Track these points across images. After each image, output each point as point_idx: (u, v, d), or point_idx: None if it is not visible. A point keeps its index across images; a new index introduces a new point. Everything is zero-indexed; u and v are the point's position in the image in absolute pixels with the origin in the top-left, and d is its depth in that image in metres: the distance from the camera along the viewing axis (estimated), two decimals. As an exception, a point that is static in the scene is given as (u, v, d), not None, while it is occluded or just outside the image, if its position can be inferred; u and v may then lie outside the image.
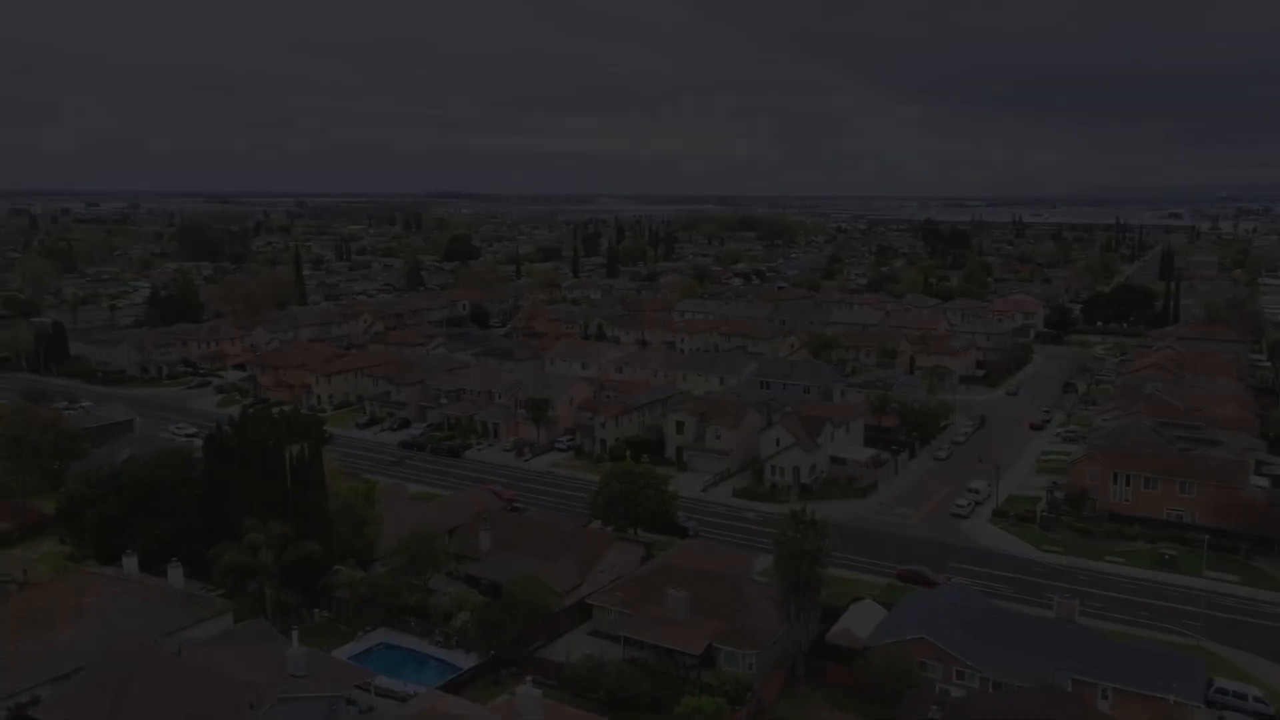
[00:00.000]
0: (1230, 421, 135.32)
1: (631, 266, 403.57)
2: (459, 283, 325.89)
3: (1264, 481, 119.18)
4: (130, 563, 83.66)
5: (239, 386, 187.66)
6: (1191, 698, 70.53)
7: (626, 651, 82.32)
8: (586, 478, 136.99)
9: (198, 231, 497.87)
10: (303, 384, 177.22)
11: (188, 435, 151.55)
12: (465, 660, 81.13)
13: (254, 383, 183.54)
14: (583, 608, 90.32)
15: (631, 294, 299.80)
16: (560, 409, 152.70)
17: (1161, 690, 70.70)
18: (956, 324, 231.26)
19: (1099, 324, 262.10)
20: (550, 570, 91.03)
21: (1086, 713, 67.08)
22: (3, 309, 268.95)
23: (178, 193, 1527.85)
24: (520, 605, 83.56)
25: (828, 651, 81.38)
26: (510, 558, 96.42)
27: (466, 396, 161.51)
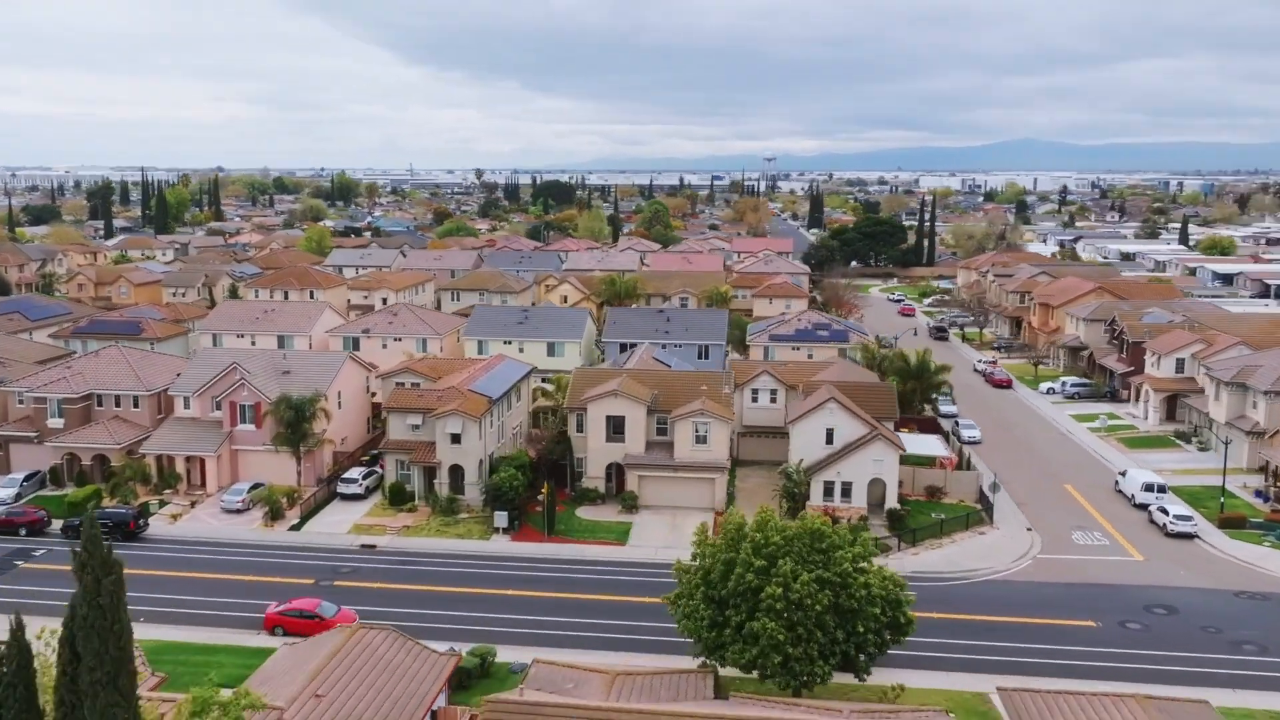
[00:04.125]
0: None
1: (183, 226, 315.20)
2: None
3: None
4: None
5: None
6: None
7: None
8: (458, 551, 72.18)
9: None
10: None
11: None
12: None
13: None
14: None
15: (236, 250, 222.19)
16: (331, 417, 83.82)
17: None
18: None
19: (851, 263, 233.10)
20: None
21: None
22: None
23: None
24: None
25: None
26: None
27: (106, 413, 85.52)
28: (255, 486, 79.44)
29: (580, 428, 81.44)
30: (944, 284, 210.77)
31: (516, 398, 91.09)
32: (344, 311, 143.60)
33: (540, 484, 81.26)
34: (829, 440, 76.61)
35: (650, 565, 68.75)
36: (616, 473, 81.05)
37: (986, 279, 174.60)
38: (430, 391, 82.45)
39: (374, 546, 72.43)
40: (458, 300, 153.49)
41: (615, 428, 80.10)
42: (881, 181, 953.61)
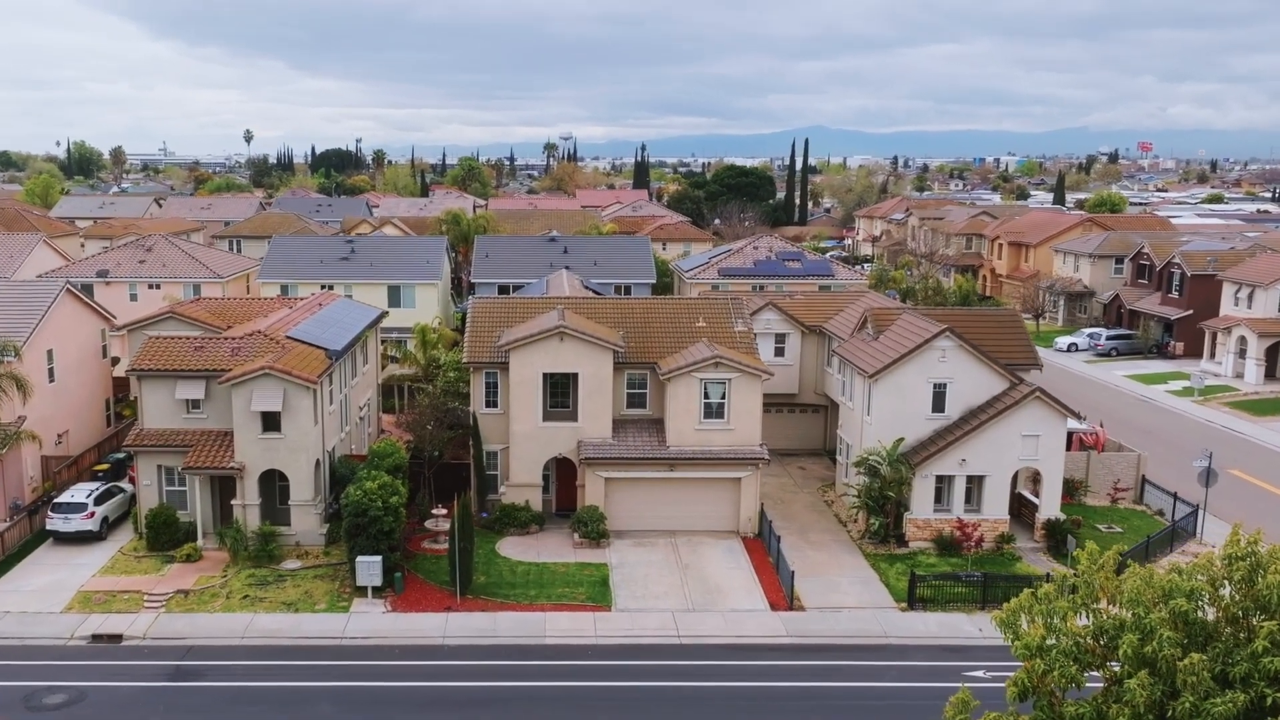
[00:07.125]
0: None
1: None
2: None
3: None
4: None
5: None
6: None
7: None
8: (291, 641, 38.56)
9: None
10: None
11: None
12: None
13: None
14: None
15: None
16: (32, 393, 47.71)
17: None
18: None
19: (715, 221, 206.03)
20: None
21: None
22: None
23: None
24: None
25: None
26: None
27: None
28: (-125, 528, 43.22)
29: (492, 400, 48.67)
30: (830, 244, 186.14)
31: (363, 359, 57.36)
32: (75, 256, 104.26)
33: (425, 503, 48.60)
34: (938, 406, 46.73)
35: (675, 650, 37.37)
36: (561, 475, 48.91)
37: (906, 227, 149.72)
38: (219, 341, 47.72)
39: (118, 638, 37.77)
40: (239, 252, 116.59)
41: (559, 395, 47.83)
42: (682, 164, 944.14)
